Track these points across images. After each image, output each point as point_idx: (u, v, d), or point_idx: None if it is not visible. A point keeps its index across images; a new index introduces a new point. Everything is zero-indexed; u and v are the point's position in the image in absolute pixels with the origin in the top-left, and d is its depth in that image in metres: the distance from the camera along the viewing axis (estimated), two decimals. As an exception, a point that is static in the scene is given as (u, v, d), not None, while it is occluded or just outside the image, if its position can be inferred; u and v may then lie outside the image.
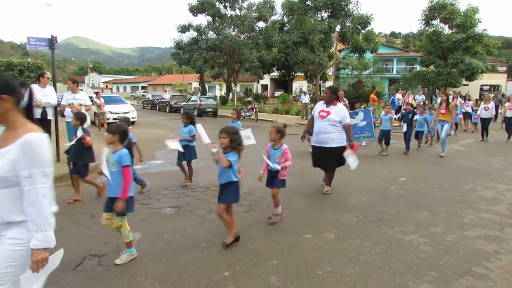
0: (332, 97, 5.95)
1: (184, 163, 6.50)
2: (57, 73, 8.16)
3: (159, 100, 32.30)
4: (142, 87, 73.29)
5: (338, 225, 4.63)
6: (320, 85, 33.69)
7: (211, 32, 32.51)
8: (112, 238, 3.91)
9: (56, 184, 6.30)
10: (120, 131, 3.56)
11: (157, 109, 31.44)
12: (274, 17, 33.33)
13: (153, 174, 7.30)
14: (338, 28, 28.12)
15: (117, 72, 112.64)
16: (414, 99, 18.55)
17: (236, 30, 31.59)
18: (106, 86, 78.61)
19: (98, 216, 4.86)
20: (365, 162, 9.01)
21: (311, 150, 6.65)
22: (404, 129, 10.25)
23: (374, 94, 18.87)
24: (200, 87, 39.64)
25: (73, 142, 5.40)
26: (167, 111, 28.55)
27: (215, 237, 4.13)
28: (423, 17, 30.38)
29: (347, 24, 27.78)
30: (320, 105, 6.17)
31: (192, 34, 33.30)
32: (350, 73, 33.81)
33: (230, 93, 37.28)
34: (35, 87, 7.32)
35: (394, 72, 44.52)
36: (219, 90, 49.14)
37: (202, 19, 32.24)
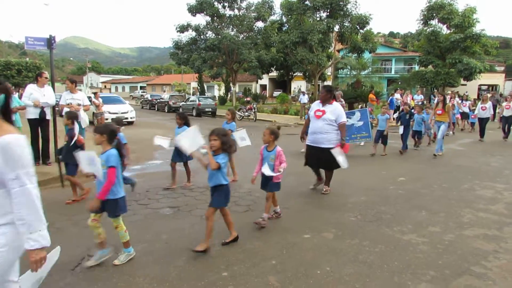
0: (327, 96, 5.90)
1: (180, 164, 6.46)
2: (56, 73, 8.13)
3: (158, 100, 32.27)
4: (141, 87, 73.25)
5: (337, 225, 4.63)
6: (318, 85, 33.62)
7: (209, 32, 32.52)
8: (111, 238, 3.90)
9: (54, 184, 6.33)
10: (108, 131, 3.49)
11: (156, 109, 31.43)
12: (272, 17, 33.41)
13: (152, 174, 7.29)
14: (336, 28, 28.18)
15: (115, 72, 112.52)
16: (412, 99, 18.60)
17: (234, 30, 31.62)
18: (105, 86, 78.54)
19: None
20: (363, 162, 9.03)
21: (303, 150, 6.58)
22: (401, 131, 10.24)
23: (373, 94, 18.89)
24: (198, 87, 39.64)
25: (73, 140, 5.35)
26: (166, 111, 28.54)
27: (214, 237, 4.12)
28: (422, 17, 30.44)
29: (346, 24, 27.83)
30: (316, 105, 6.13)
31: (191, 34, 33.34)
32: (348, 73, 33.80)
33: (229, 93, 37.29)
34: (33, 86, 7.30)
35: (393, 72, 44.59)
36: (218, 90, 49.16)
37: (201, 19, 32.42)
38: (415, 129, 10.83)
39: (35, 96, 7.12)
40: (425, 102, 18.97)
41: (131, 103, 24.96)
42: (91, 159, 3.41)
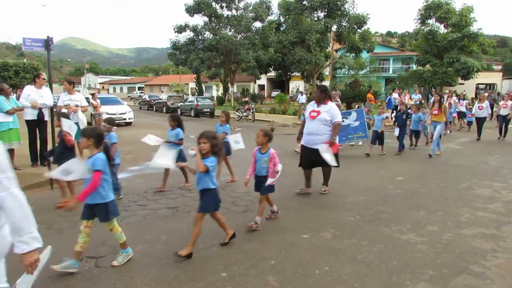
0: (321, 96, 5.85)
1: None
2: (53, 74, 8.13)
3: (156, 101, 32.22)
4: (139, 88, 73.13)
5: (336, 224, 4.64)
6: (317, 85, 33.70)
7: (207, 33, 32.50)
8: (109, 240, 3.90)
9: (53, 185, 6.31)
10: (95, 135, 3.40)
11: (154, 109, 31.39)
12: (270, 17, 33.40)
13: (150, 175, 7.28)
14: (334, 27, 28.21)
15: (113, 72, 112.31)
16: (410, 98, 18.62)
17: (232, 30, 31.60)
18: (103, 87, 78.43)
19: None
20: (362, 162, 9.04)
21: (297, 150, 6.51)
22: (396, 133, 10.23)
23: (371, 94, 18.93)
24: (197, 88, 39.61)
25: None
26: (164, 111, 28.51)
27: (213, 238, 4.13)
28: (419, 17, 30.52)
29: (344, 24, 27.86)
30: (311, 105, 6.07)
31: (188, 34, 33.30)
32: (346, 72, 33.82)
33: (227, 94, 37.27)
34: (31, 88, 7.29)
35: (391, 72, 44.64)
36: (216, 91, 49.11)
37: (199, 20, 32.31)
38: (412, 128, 10.84)
39: (33, 97, 7.11)
40: (423, 101, 18.99)
41: (129, 104, 24.93)
42: (71, 126, 3.32)
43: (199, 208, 3.71)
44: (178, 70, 62.85)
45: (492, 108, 17.05)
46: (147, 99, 35.66)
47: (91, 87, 70.86)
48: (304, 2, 27.76)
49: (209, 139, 3.59)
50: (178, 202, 5.55)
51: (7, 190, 1.78)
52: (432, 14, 29.51)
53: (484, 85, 41.34)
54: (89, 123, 12.16)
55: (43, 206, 5.13)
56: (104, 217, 3.42)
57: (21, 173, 6.82)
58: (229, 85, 35.47)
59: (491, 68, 44.53)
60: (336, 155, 6.00)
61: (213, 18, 31.50)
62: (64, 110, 7.12)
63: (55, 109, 7.68)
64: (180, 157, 6.11)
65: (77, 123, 7.40)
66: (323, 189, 6.10)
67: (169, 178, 6.27)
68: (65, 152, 5.12)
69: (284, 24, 33.45)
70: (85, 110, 7.83)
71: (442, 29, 30.15)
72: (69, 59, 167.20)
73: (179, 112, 26.06)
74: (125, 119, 17.73)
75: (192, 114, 24.41)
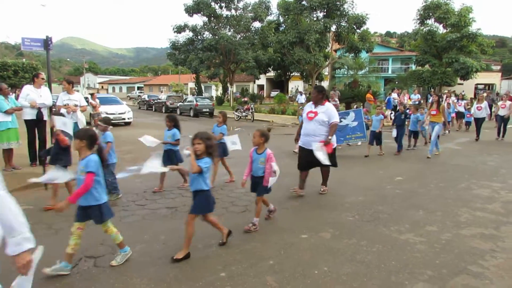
0: (318, 97, 5.80)
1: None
2: (52, 74, 8.12)
3: (155, 101, 32.23)
4: (138, 88, 73.11)
5: (335, 224, 4.64)
6: (316, 85, 33.74)
7: (207, 33, 32.51)
8: (108, 239, 3.89)
9: (50, 186, 6.29)
10: (87, 137, 3.37)
11: (153, 109, 31.38)
12: (269, 17, 33.45)
13: (149, 175, 7.24)
14: (333, 28, 28.28)
15: (112, 72, 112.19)
16: (409, 98, 18.64)
17: (232, 30, 31.62)
18: (102, 87, 78.36)
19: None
20: (360, 162, 9.05)
21: (295, 151, 6.46)
22: (394, 134, 10.22)
23: (371, 94, 18.94)
24: (196, 88, 39.60)
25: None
26: (163, 111, 28.50)
27: (212, 238, 4.12)
28: (418, 17, 30.58)
29: (343, 24, 27.93)
30: (308, 106, 6.02)
31: (188, 34, 33.31)
32: (345, 72, 33.86)
33: (226, 94, 37.28)
34: (30, 87, 7.28)
35: (390, 72, 44.71)
36: (215, 91, 49.11)
37: (198, 20, 32.26)
38: (411, 129, 10.83)
39: (32, 97, 7.10)
40: (421, 101, 19.01)
41: (129, 104, 24.89)
42: (65, 122, 3.33)
43: (191, 209, 3.66)
44: (177, 70, 62.86)
45: (490, 109, 17.07)
46: (146, 99, 35.66)
47: (90, 87, 70.81)
48: (303, 2, 27.81)
49: (204, 140, 3.56)
50: (177, 202, 5.55)
51: None
52: (431, 14, 29.58)
53: (483, 85, 41.44)
54: (88, 123, 12.15)
55: (42, 205, 5.12)
56: (99, 219, 3.40)
57: (20, 173, 6.82)
58: (228, 85, 35.48)
59: (490, 68, 44.66)
60: (334, 155, 5.99)
61: (212, 18, 31.51)
62: (63, 110, 7.13)
63: (54, 109, 7.67)
64: (176, 158, 6.12)
65: (76, 123, 7.42)
66: (322, 189, 6.10)
67: (166, 178, 6.27)
68: (60, 152, 5.04)
69: (283, 24, 33.50)
70: (84, 109, 7.81)
71: (441, 29, 30.23)
72: (68, 59, 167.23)
73: (178, 112, 26.11)
74: (124, 119, 17.73)
75: (191, 114, 24.41)
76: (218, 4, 30.99)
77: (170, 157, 6.05)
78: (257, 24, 32.51)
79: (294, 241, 4.12)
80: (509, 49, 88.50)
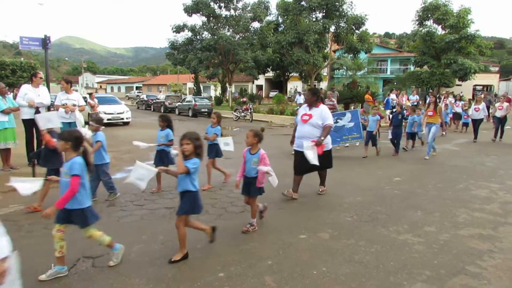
0: (312, 99, 5.74)
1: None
2: (51, 73, 8.10)
3: (154, 101, 32.18)
4: (137, 88, 73.06)
5: (333, 225, 4.64)
6: (315, 85, 33.81)
7: (206, 33, 32.50)
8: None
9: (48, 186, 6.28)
10: (72, 138, 3.26)
11: (152, 109, 31.35)
12: (269, 18, 33.48)
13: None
14: (332, 28, 28.30)
15: (111, 72, 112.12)
16: (408, 99, 18.66)
17: (231, 30, 31.62)
18: (100, 86, 78.27)
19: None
20: (359, 162, 9.05)
21: (293, 152, 6.35)
22: (389, 135, 10.23)
23: (369, 95, 18.95)
24: (194, 88, 39.59)
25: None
26: (162, 111, 28.46)
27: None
28: (417, 18, 30.67)
29: (342, 25, 27.96)
30: (303, 109, 5.95)
31: (187, 34, 33.31)
32: (344, 73, 33.93)
33: (225, 94, 37.29)
34: (28, 87, 7.26)
35: (388, 73, 44.81)
36: (214, 91, 49.12)
37: (197, 19, 32.20)
38: (408, 131, 10.81)
39: (30, 96, 7.08)
40: (420, 102, 19.03)
41: (127, 104, 24.88)
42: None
43: (178, 210, 3.58)
44: (176, 70, 62.82)
45: (488, 110, 17.11)
46: (145, 98, 35.60)
47: (89, 86, 70.76)
48: (303, 3, 27.83)
49: (192, 140, 3.49)
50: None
51: None
52: (430, 15, 29.66)
53: (481, 87, 41.54)
54: (86, 123, 12.13)
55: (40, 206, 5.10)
56: (83, 223, 3.29)
57: (17, 173, 6.80)
58: (227, 85, 35.49)
59: (488, 70, 44.82)
60: (330, 156, 5.96)
61: (211, 18, 31.51)
62: (61, 110, 7.10)
63: (52, 109, 7.65)
64: (168, 159, 5.98)
65: (74, 123, 7.40)
66: (320, 190, 6.10)
67: (163, 179, 6.24)
68: (50, 154, 4.88)
69: (282, 25, 33.52)
70: (83, 109, 7.80)
71: (439, 31, 30.31)
72: (66, 58, 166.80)
73: (176, 112, 26.11)
74: (122, 118, 17.69)
75: (190, 114, 24.41)
76: (217, 4, 30.99)
77: (162, 158, 5.97)
78: (256, 24, 32.55)
79: (292, 241, 4.12)
80: (508, 50, 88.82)
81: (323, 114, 5.65)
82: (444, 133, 13.65)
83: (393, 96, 18.83)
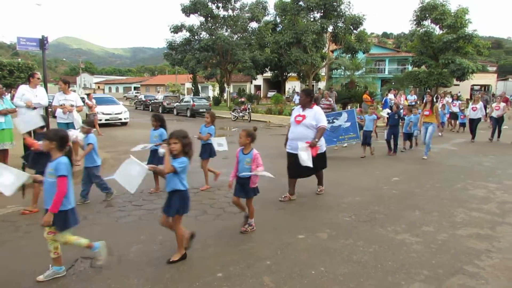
0: (306, 100, 5.65)
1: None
2: (48, 74, 8.09)
3: (152, 101, 32.18)
4: (135, 88, 72.96)
5: (331, 225, 4.65)
6: (313, 85, 33.85)
7: (203, 33, 32.52)
8: (106, 240, 3.88)
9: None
10: (57, 138, 3.20)
11: (150, 110, 31.29)
12: (266, 18, 33.52)
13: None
14: (330, 28, 28.33)
15: (109, 72, 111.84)
16: (406, 99, 18.69)
17: (229, 30, 31.64)
18: (98, 87, 78.07)
19: (91, 217, 4.85)
20: (357, 162, 9.06)
21: None
22: (385, 136, 10.22)
23: (367, 95, 18.99)
24: (193, 88, 39.57)
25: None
26: (160, 111, 28.41)
27: (209, 238, 4.12)
28: (415, 18, 30.69)
29: (340, 25, 27.99)
30: (296, 110, 5.87)
31: (184, 34, 33.33)
32: (342, 73, 34.01)
33: (223, 94, 37.27)
34: (25, 87, 7.24)
35: (386, 72, 44.91)
36: (212, 91, 49.12)
37: (195, 20, 32.41)
38: (404, 131, 10.80)
39: (27, 97, 7.06)
40: (418, 102, 19.06)
41: (125, 104, 24.85)
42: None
43: (169, 211, 3.53)
44: (174, 70, 62.73)
45: (485, 109, 17.14)
46: (143, 99, 35.58)
47: (87, 87, 70.58)
48: (300, 3, 27.86)
49: (180, 139, 3.43)
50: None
51: None
52: (427, 15, 29.70)
53: (479, 86, 41.66)
54: (84, 123, 12.08)
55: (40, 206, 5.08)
56: (62, 226, 3.16)
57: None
58: (225, 85, 35.47)
59: (486, 70, 44.94)
60: (324, 156, 5.94)
61: (209, 18, 31.51)
62: (59, 110, 7.07)
63: (50, 109, 7.63)
64: (161, 159, 5.93)
65: (72, 123, 7.39)
66: (319, 189, 6.11)
67: (160, 178, 6.22)
68: (38, 156, 4.74)
69: (280, 25, 33.53)
70: (80, 110, 7.78)
71: (437, 31, 30.35)
72: (64, 59, 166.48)
73: (175, 112, 26.10)
74: (120, 119, 17.67)
75: (188, 114, 24.41)
76: (215, 4, 31.00)
77: (154, 157, 5.89)
78: (254, 25, 32.58)
79: (291, 241, 4.13)
80: (505, 50, 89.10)
81: (317, 115, 5.56)
82: (440, 134, 13.64)
83: (391, 96, 18.87)
